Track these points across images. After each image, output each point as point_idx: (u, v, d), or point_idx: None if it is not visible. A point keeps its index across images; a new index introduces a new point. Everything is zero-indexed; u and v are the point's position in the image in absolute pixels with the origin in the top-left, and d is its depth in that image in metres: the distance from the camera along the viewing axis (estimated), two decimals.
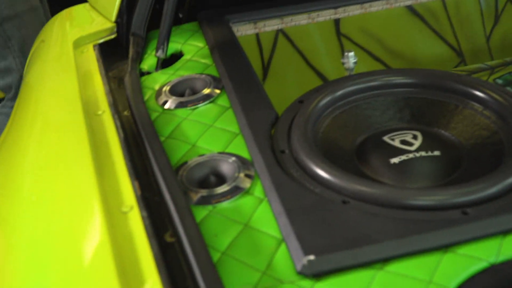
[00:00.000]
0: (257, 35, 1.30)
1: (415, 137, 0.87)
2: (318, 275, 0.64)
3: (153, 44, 1.21)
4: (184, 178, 0.79)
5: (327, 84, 0.97)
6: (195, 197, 0.76)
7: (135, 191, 0.71)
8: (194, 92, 1.00)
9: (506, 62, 1.33)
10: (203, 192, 0.76)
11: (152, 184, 0.78)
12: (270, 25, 1.29)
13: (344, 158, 0.86)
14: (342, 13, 1.32)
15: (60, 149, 0.79)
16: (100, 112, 0.88)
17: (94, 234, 0.63)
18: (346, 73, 1.15)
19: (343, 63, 1.11)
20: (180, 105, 0.96)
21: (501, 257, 0.65)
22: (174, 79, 1.04)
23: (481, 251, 0.66)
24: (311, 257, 0.64)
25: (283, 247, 0.68)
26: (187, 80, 1.03)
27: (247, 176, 0.79)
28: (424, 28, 1.42)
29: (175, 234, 0.69)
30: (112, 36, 1.20)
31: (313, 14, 1.30)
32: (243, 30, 1.28)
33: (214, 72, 1.05)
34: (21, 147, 0.85)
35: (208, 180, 0.80)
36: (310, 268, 0.64)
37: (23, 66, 2.05)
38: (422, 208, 0.70)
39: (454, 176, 0.82)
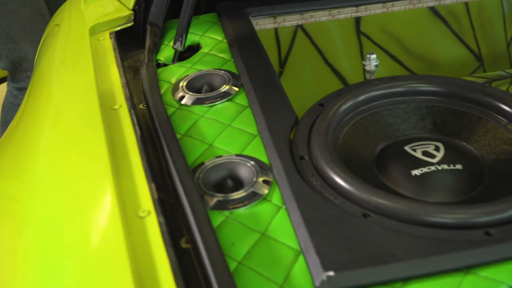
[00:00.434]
0: (275, 29, 1.28)
1: (437, 149, 0.85)
2: None
3: (170, 34, 1.19)
4: (201, 180, 0.77)
5: (348, 88, 0.95)
6: (212, 201, 0.74)
7: (152, 194, 0.69)
8: (211, 88, 0.98)
9: None
10: (220, 197, 0.75)
11: (168, 185, 0.76)
12: (290, 21, 1.27)
13: (364, 166, 0.84)
14: (364, 11, 1.29)
15: (76, 146, 0.77)
16: (116, 107, 0.86)
17: (111, 239, 0.61)
18: (365, 74, 1.13)
19: (364, 65, 1.08)
20: (197, 102, 0.94)
21: None
22: (192, 73, 1.02)
23: (503, 274, 0.65)
24: (331, 273, 0.62)
25: (301, 259, 0.67)
26: (205, 75, 1.01)
27: (265, 182, 0.77)
28: (445, 30, 1.40)
29: (191, 240, 0.67)
30: (129, 24, 1.18)
31: (334, 11, 1.27)
32: (262, 24, 1.25)
33: (233, 68, 1.03)
34: (33, 142, 0.83)
35: (225, 184, 0.78)
36: (329, 285, 0.62)
37: (11, 52, 2.06)
38: (445, 226, 0.69)
39: (476, 192, 0.80)
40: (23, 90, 2.16)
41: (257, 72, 0.99)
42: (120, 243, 0.60)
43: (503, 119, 0.88)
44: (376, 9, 1.30)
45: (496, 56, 1.44)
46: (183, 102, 0.95)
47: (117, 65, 1.00)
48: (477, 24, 1.41)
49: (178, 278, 0.60)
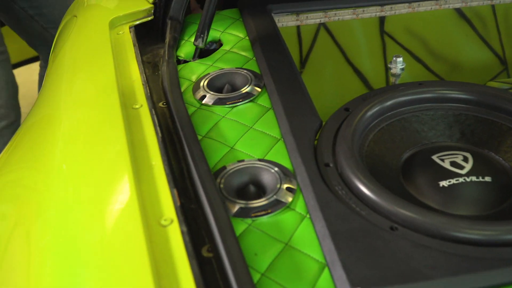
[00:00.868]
0: (298, 27, 1.25)
1: (465, 159, 0.82)
2: None
3: (190, 29, 1.17)
4: (223, 185, 0.75)
5: (374, 93, 0.92)
6: (234, 208, 0.72)
7: (174, 201, 0.67)
8: (233, 88, 0.96)
9: None
10: (242, 204, 0.73)
11: (189, 189, 0.74)
12: (313, 18, 1.24)
13: (389, 175, 0.82)
14: (389, 11, 1.26)
15: (96, 146, 0.75)
16: (137, 106, 0.84)
17: (132, 248, 0.59)
18: (391, 77, 1.10)
19: (389, 68, 1.06)
20: (218, 102, 0.92)
21: None
22: (213, 71, 1.00)
23: None
24: None
25: (326, 273, 0.65)
26: (227, 74, 0.99)
27: (289, 189, 0.75)
28: (470, 33, 1.36)
29: (213, 249, 0.65)
30: (149, 18, 1.16)
31: (359, 10, 1.25)
32: (285, 21, 1.22)
33: (255, 68, 1.01)
34: (50, 140, 0.81)
35: (247, 190, 0.76)
36: None
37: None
38: (475, 243, 0.66)
39: (504, 205, 0.78)
40: None
41: (281, 72, 0.96)
42: (142, 253, 0.58)
43: None
44: (402, 9, 1.27)
45: None
46: (204, 101, 0.93)
47: (137, 61, 0.98)
48: (503, 28, 1.38)
49: None
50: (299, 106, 0.88)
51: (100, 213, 0.65)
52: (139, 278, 0.56)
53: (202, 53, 1.09)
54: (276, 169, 0.77)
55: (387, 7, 1.26)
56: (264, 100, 0.93)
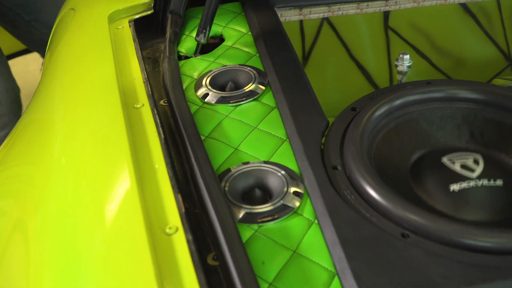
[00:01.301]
0: (301, 22, 1.22)
1: (476, 162, 0.80)
2: None
3: (191, 23, 1.14)
4: (227, 189, 0.73)
5: (381, 92, 0.89)
6: (239, 214, 0.70)
7: (178, 207, 0.64)
8: (236, 86, 0.93)
9: None
10: (248, 209, 0.70)
11: (193, 193, 0.72)
12: (316, 13, 1.21)
13: (398, 178, 0.79)
14: (393, 5, 1.24)
15: (99, 151, 0.72)
16: (138, 106, 0.81)
17: (136, 258, 0.56)
18: (394, 72, 1.08)
19: (396, 65, 1.03)
20: (221, 100, 0.90)
21: None
22: (215, 68, 0.97)
23: None
24: None
25: (336, 282, 0.63)
26: (230, 72, 0.96)
27: (296, 193, 0.72)
28: (475, 28, 1.34)
29: (219, 257, 0.63)
30: (149, 12, 1.12)
31: (363, 5, 1.22)
32: (287, 16, 1.20)
33: (258, 64, 0.98)
34: (49, 139, 0.78)
35: (253, 194, 0.74)
36: None
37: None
38: (489, 251, 0.64)
39: None
40: None
41: (285, 69, 0.93)
42: (147, 263, 0.55)
43: None
44: (407, 3, 1.24)
45: None
46: (206, 100, 0.90)
47: (137, 57, 0.95)
48: (508, 23, 1.36)
49: None
50: (305, 105, 0.86)
51: (103, 220, 0.62)
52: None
53: (203, 48, 1.07)
54: (283, 172, 0.75)
55: (391, 2, 1.23)
56: (268, 99, 0.90)
